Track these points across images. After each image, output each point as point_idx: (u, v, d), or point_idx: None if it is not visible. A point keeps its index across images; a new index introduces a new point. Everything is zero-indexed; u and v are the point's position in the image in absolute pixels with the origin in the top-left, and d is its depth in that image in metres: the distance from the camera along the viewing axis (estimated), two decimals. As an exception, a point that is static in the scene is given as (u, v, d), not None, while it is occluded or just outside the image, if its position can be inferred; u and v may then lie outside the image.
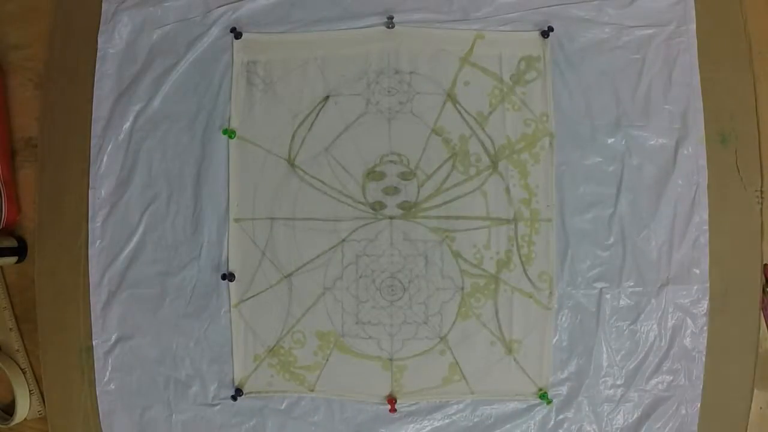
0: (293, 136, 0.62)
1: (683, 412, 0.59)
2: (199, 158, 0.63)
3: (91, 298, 0.63)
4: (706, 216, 0.60)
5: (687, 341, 0.59)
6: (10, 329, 0.67)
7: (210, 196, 0.62)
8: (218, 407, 0.62)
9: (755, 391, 0.59)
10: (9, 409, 0.67)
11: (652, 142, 0.60)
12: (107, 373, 0.63)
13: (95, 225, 0.63)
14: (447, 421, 0.61)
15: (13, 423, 0.65)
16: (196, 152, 0.63)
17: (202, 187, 0.62)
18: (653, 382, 0.60)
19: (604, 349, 0.60)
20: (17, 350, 0.67)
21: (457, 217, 0.61)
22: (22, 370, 0.67)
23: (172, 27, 0.63)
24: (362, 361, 0.61)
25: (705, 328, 0.59)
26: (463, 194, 0.61)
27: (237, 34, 0.62)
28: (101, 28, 0.64)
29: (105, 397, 0.63)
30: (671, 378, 0.59)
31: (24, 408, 0.66)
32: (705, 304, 0.59)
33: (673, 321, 0.59)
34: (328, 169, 0.62)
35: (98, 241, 0.63)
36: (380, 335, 0.61)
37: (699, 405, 0.59)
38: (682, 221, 0.60)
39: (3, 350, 0.68)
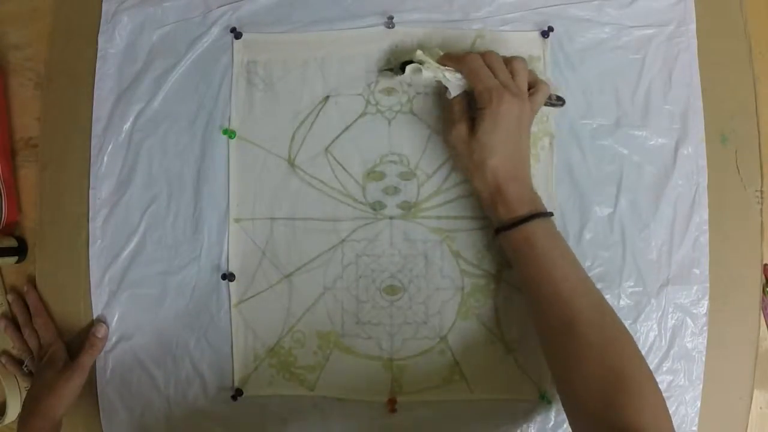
0: (293, 136, 0.62)
1: (683, 412, 0.59)
2: (199, 158, 0.63)
3: (91, 298, 0.63)
4: (706, 216, 0.60)
5: (687, 341, 0.59)
6: (10, 329, 0.67)
7: (210, 196, 0.62)
8: (218, 407, 0.62)
9: (755, 391, 0.59)
10: (2, 409, 0.67)
11: (652, 142, 0.60)
12: (107, 373, 0.63)
13: (95, 225, 0.63)
14: (447, 421, 0.61)
15: (3, 423, 0.65)
16: (196, 152, 0.63)
17: (202, 187, 0.62)
18: (653, 382, 0.60)
19: (604, 349, 0.60)
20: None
21: (457, 217, 0.61)
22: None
23: (172, 27, 0.63)
24: (362, 361, 0.61)
25: (705, 328, 0.59)
26: (463, 194, 0.61)
27: (237, 34, 0.62)
28: (101, 28, 0.64)
29: (105, 397, 0.63)
30: (671, 378, 0.59)
31: (15, 408, 0.65)
32: (705, 304, 0.59)
33: (673, 321, 0.59)
34: (328, 169, 0.62)
35: (98, 241, 0.63)
36: (380, 335, 0.61)
37: (699, 405, 0.59)
38: (682, 221, 0.60)
39: None
